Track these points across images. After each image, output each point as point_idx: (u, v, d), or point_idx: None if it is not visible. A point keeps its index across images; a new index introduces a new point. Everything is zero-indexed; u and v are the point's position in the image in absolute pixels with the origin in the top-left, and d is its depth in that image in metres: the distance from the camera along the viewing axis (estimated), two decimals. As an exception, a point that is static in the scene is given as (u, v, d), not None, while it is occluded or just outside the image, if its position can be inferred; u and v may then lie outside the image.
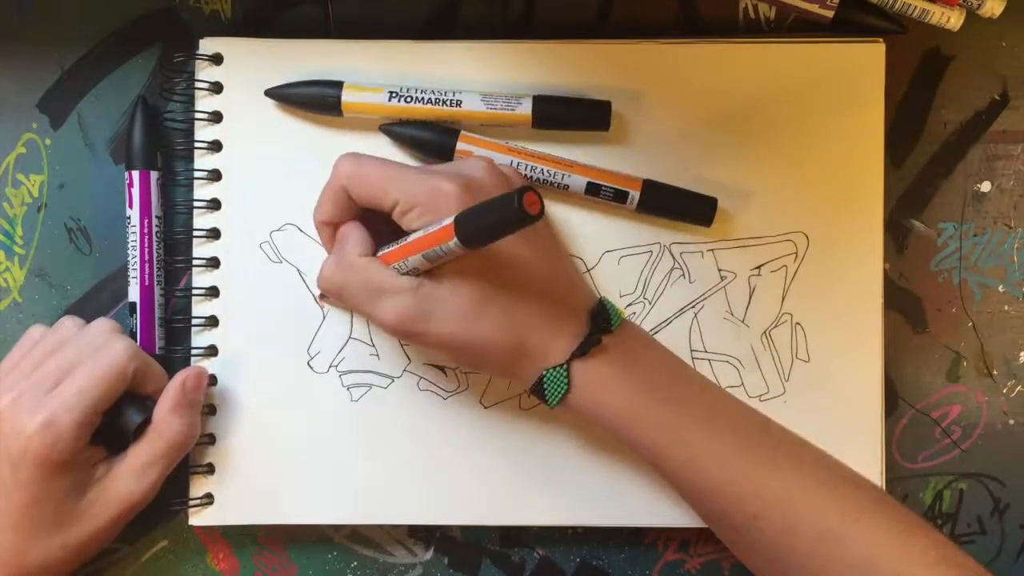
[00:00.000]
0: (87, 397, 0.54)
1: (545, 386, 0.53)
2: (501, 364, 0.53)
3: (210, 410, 0.60)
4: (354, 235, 0.55)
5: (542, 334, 0.53)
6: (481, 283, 0.52)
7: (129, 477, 0.56)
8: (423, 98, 0.58)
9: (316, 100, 0.59)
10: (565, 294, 0.54)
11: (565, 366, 0.53)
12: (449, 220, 0.48)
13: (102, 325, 0.58)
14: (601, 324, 0.53)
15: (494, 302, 0.52)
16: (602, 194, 0.58)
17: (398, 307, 0.52)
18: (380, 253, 0.54)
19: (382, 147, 0.60)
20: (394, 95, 0.58)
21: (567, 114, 0.59)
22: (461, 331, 0.52)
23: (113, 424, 0.56)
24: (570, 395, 0.53)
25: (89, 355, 0.56)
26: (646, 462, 0.54)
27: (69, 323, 0.59)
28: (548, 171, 0.58)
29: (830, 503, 0.51)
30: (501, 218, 0.46)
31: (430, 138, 0.59)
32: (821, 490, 0.51)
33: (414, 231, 0.52)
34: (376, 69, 0.60)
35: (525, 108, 0.58)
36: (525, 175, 0.58)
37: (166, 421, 0.57)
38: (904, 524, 0.51)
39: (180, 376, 0.57)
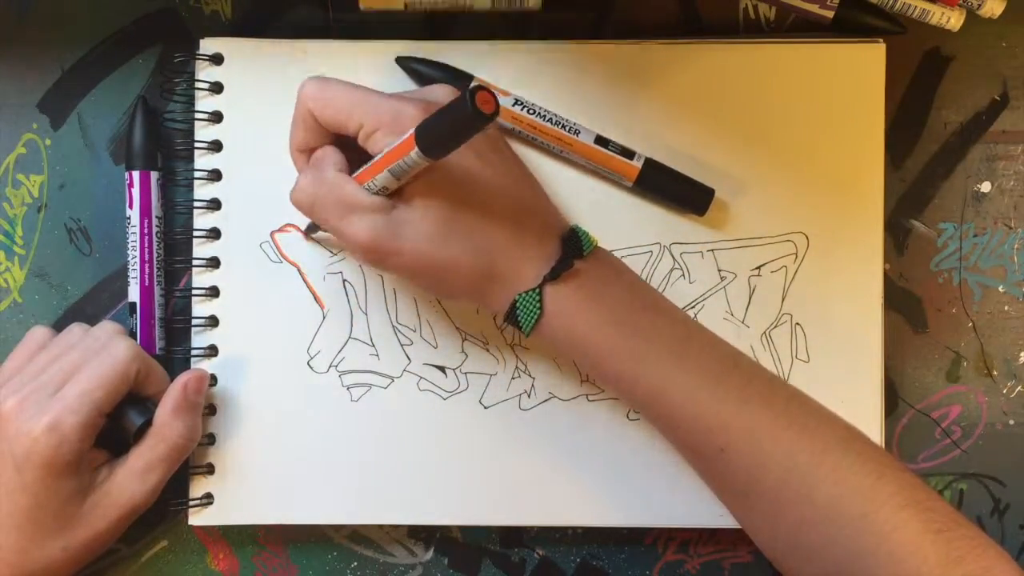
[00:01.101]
0: (91, 399, 0.54)
1: (518, 311, 0.52)
2: (471, 287, 0.53)
3: (210, 410, 0.60)
4: (331, 155, 0.54)
5: (512, 256, 0.52)
6: (450, 204, 0.51)
7: (131, 480, 0.56)
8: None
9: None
10: (536, 217, 0.54)
11: (537, 290, 0.52)
12: (410, 132, 0.48)
13: (105, 328, 0.58)
14: (573, 249, 0.53)
15: (463, 223, 0.52)
16: (610, 147, 0.58)
17: (370, 225, 0.51)
18: (355, 174, 0.53)
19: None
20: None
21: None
22: (431, 250, 0.51)
23: (116, 426, 0.56)
24: (543, 321, 0.52)
25: (92, 357, 0.56)
26: (614, 391, 0.54)
27: (77, 330, 0.59)
28: (558, 119, 0.58)
29: (798, 440, 0.51)
30: (456, 121, 0.46)
31: (444, 79, 0.59)
32: (790, 427, 0.51)
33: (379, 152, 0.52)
34: (377, 69, 0.60)
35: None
36: (537, 114, 0.58)
37: (167, 424, 0.57)
38: (873, 464, 0.50)
39: (181, 379, 0.57)
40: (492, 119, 0.45)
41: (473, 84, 0.47)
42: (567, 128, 0.59)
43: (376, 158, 0.51)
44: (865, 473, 0.50)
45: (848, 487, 0.50)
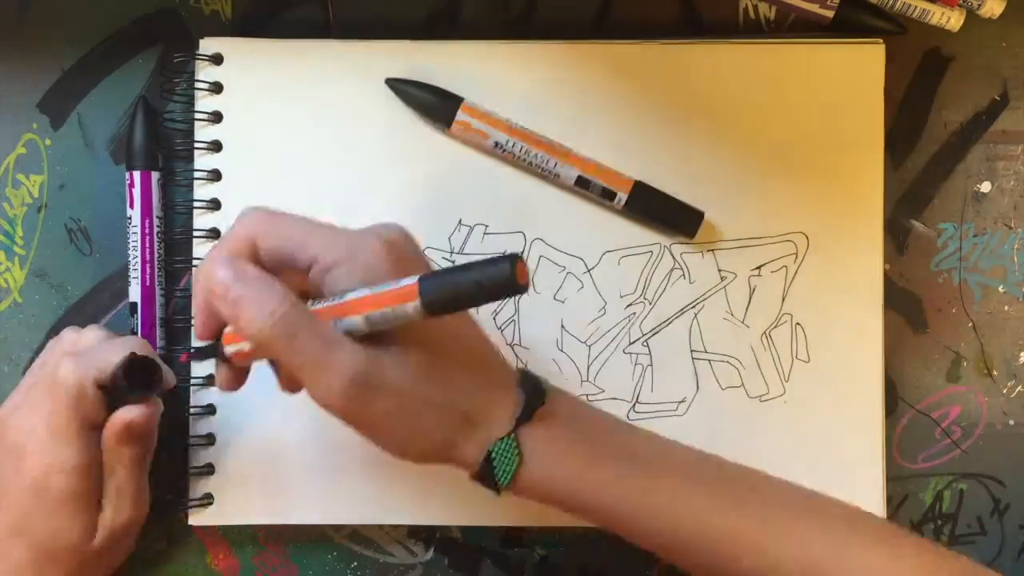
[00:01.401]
0: (83, 363, 0.54)
1: (495, 461, 0.49)
2: (444, 437, 0.49)
3: (210, 410, 0.60)
4: (272, 282, 0.47)
5: (484, 402, 0.49)
6: (428, 348, 0.48)
7: (114, 502, 0.56)
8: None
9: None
10: (496, 363, 0.51)
11: (513, 436, 0.49)
12: (411, 281, 0.44)
13: (54, 350, 0.58)
14: (534, 389, 0.50)
15: (440, 367, 0.48)
16: (591, 189, 0.58)
17: (354, 361, 0.46)
18: (311, 307, 0.47)
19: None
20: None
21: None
22: (413, 392, 0.48)
23: (115, 403, 0.55)
24: (522, 468, 0.49)
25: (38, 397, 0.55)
26: (607, 527, 0.52)
27: (68, 334, 0.59)
28: (541, 156, 0.59)
29: (808, 532, 0.50)
30: (485, 286, 0.42)
31: (433, 101, 0.59)
32: (798, 521, 0.50)
33: (339, 291, 0.47)
34: (377, 70, 0.60)
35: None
36: (519, 157, 0.59)
37: (111, 451, 0.56)
38: (886, 538, 0.50)
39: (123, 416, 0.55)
40: (525, 291, 0.42)
41: (510, 252, 0.42)
42: (547, 171, 0.59)
43: (346, 298, 0.46)
44: (880, 550, 0.49)
45: (871, 569, 0.49)
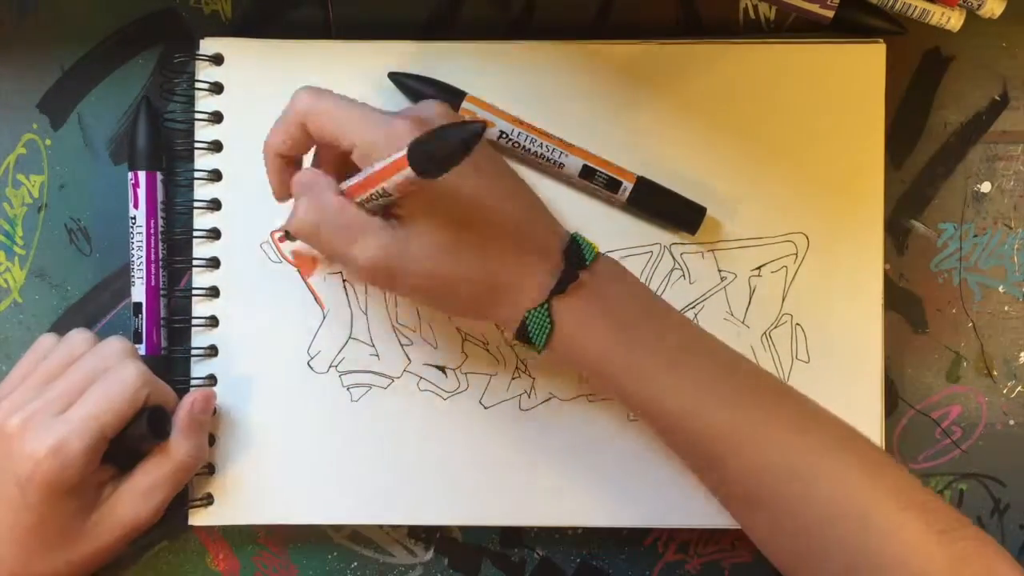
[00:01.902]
0: (97, 423, 0.54)
1: (529, 328, 0.52)
2: (478, 303, 0.53)
3: (210, 410, 0.60)
4: (323, 178, 0.53)
5: (517, 271, 0.52)
6: (453, 222, 0.51)
7: (135, 499, 0.56)
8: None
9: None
10: (536, 231, 0.54)
11: (546, 305, 0.52)
12: (403, 152, 0.47)
13: (113, 346, 0.57)
14: (576, 260, 0.53)
15: (467, 240, 0.51)
16: (596, 179, 0.58)
17: (378, 244, 0.51)
18: (343, 185, 0.52)
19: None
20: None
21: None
22: (439, 267, 0.51)
23: (123, 442, 0.56)
24: (554, 335, 0.53)
25: (100, 378, 0.55)
26: (625, 402, 0.54)
27: (79, 338, 0.58)
28: (546, 146, 0.59)
29: (796, 443, 0.51)
30: (447, 142, 0.46)
31: (436, 96, 0.59)
32: (788, 430, 0.51)
33: None
34: (377, 70, 0.60)
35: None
36: (523, 146, 0.59)
37: (174, 443, 0.57)
38: (873, 464, 0.50)
39: (188, 399, 0.57)
40: (480, 139, 0.46)
41: (465, 110, 0.47)
42: (552, 161, 0.59)
43: (368, 172, 0.50)
44: (864, 472, 0.50)
45: (847, 488, 0.50)
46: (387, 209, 0.52)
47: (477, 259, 0.52)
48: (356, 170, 0.52)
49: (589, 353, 0.53)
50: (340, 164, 0.54)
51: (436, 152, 0.46)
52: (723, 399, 0.52)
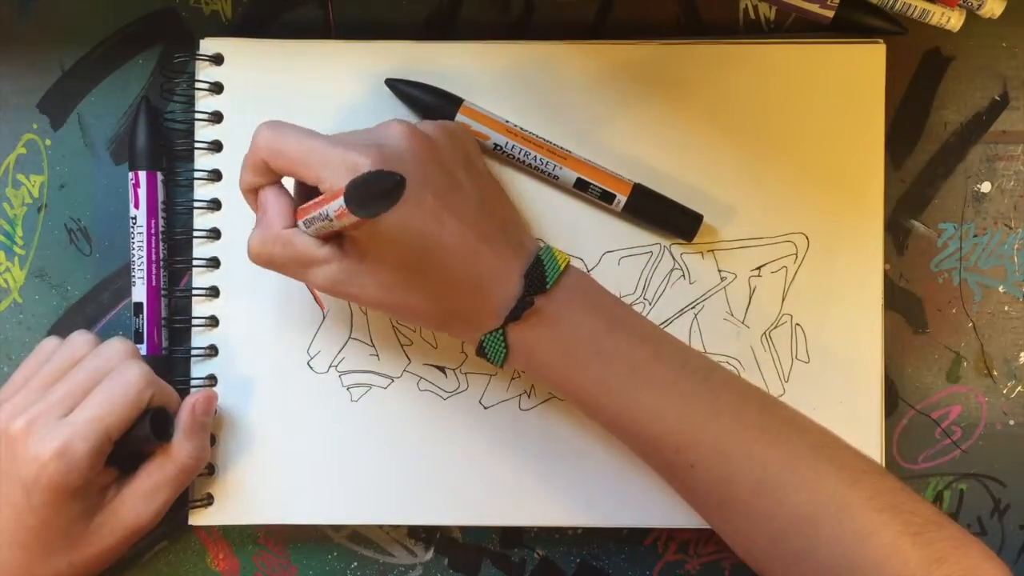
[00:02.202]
0: (102, 425, 0.54)
1: (486, 349, 0.53)
2: (435, 325, 0.55)
3: (210, 410, 0.60)
4: (273, 204, 0.53)
5: (470, 301, 0.53)
6: (399, 260, 0.51)
7: (138, 500, 0.56)
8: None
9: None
10: (494, 256, 0.53)
11: (501, 331, 0.53)
12: (342, 187, 0.46)
13: (116, 348, 0.57)
14: (535, 284, 0.52)
15: (417, 273, 0.52)
16: (590, 191, 0.58)
17: (326, 276, 0.52)
18: (306, 226, 0.52)
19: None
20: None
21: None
22: (388, 298, 0.52)
23: (126, 444, 0.56)
24: (511, 357, 0.53)
25: (104, 380, 0.55)
26: (585, 414, 0.55)
27: (80, 339, 0.58)
28: (540, 159, 0.58)
29: (769, 451, 0.51)
30: (376, 190, 0.45)
31: (432, 103, 0.59)
32: (761, 438, 0.51)
33: None
34: (377, 70, 0.60)
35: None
36: (517, 159, 0.59)
37: (176, 445, 0.57)
38: (848, 471, 0.50)
39: (190, 401, 0.57)
40: (402, 189, 0.45)
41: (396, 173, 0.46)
42: (546, 172, 0.59)
43: (317, 200, 0.50)
44: (839, 480, 0.50)
45: (822, 495, 0.49)
46: (340, 235, 0.52)
47: (427, 294, 0.52)
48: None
49: (549, 372, 0.53)
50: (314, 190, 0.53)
51: (368, 196, 0.45)
52: (695, 408, 0.52)
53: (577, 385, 0.53)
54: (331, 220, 0.48)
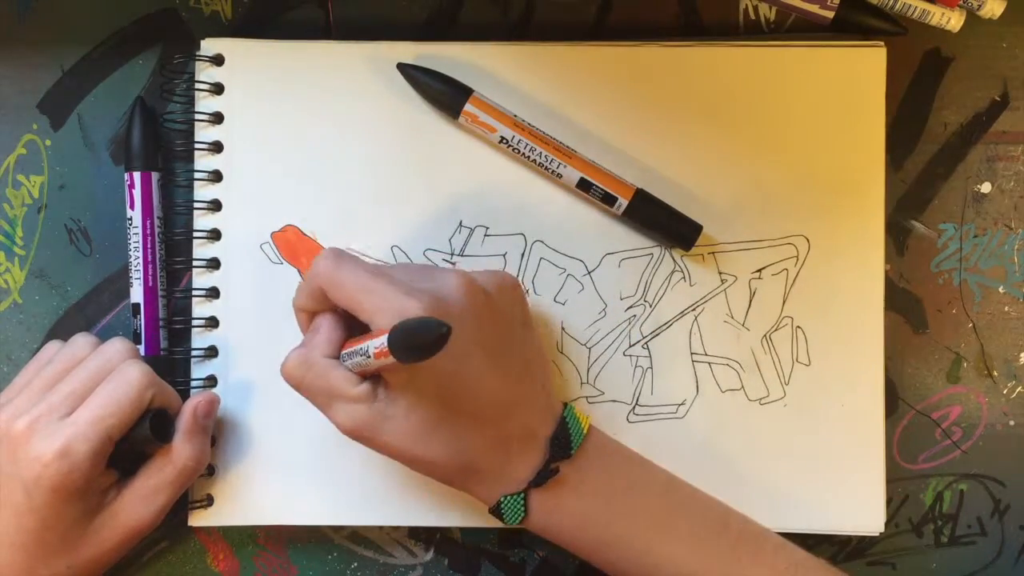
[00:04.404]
0: (104, 425, 0.54)
1: (503, 510, 0.53)
2: (450, 481, 0.54)
3: (210, 411, 0.60)
4: (324, 331, 0.53)
5: (496, 459, 0.53)
6: (435, 405, 0.51)
7: (137, 502, 0.56)
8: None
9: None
10: (524, 415, 0.53)
11: (522, 495, 0.53)
12: (387, 330, 0.47)
13: (117, 348, 0.57)
14: (560, 450, 0.53)
15: (447, 425, 0.51)
16: (592, 192, 0.58)
17: (351, 416, 0.51)
18: (347, 360, 0.52)
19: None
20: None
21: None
22: (411, 448, 0.52)
23: (127, 444, 0.56)
24: (527, 519, 0.53)
25: (105, 380, 0.55)
26: (600, 568, 0.55)
27: (82, 341, 0.58)
28: (545, 156, 0.58)
29: None
30: (419, 339, 0.46)
31: (443, 91, 0.59)
32: None
33: None
34: (377, 70, 0.60)
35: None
36: (523, 153, 0.59)
37: (177, 447, 0.57)
38: None
39: (191, 403, 0.57)
40: (445, 341, 0.45)
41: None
42: (550, 170, 0.59)
43: (361, 337, 0.51)
44: None
45: None
46: (376, 378, 0.52)
47: (453, 447, 0.52)
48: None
49: (563, 532, 0.54)
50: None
51: (411, 342, 0.46)
52: (718, 555, 0.53)
53: (597, 543, 0.54)
54: (370, 358, 0.49)
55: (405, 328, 0.46)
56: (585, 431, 0.54)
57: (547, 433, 0.53)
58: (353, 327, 0.53)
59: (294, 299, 0.55)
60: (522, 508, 0.53)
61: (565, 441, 0.53)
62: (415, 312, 0.49)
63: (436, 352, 0.45)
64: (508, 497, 0.53)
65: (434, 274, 0.53)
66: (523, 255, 0.60)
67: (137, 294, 0.60)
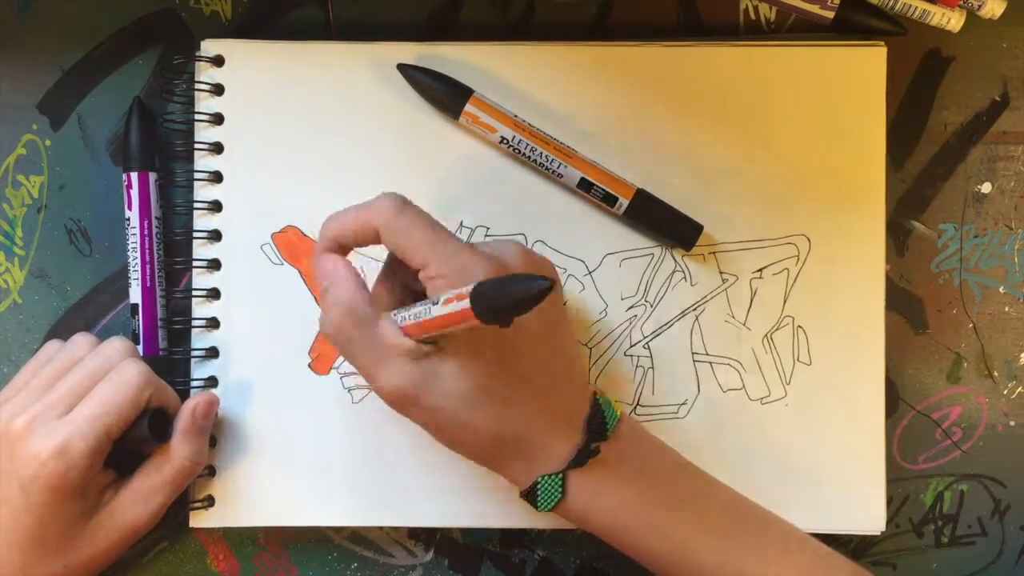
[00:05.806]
0: (101, 424, 0.54)
1: (539, 492, 0.51)
2: (488, 456, 0.52)
3: (210, 411, 0.60)
4: (377, 288, 0.52)
5: (539, 433, 0.51)
6: (488, 369, 0.49)
7: (135, 502, 0.56)
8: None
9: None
10: (568, 395, 0.52)
11: (561, 475, 0.51)
12: (467, 288, 0.45)
13: (115, 347, 0.57)
14: (597, 432, 0.51)
15: (497, 392, 0.50)
16: (593, 192, 0.58)
17: (401, 375, 0.49)
18: (398, 318, 0.50)
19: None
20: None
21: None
22: (457, 412, 0.50)
23: (125, 444, 0.56)
24: (562, 503, 0.52)
25: (103, 379, 0.55)
26: (635, 559, 0.54)
27: (81, 340, 0.58)
28: (546, 156, 0.58)
29: None
30: (515, 295, 0.43)
31: (443, 91, 0.59)
32: (810, 571, 0.52)
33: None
34: (377, 71, 0.60)
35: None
36: (523, 154, 0.59)
37: (175, 447, 0.57)
38: None
39: (190, 403, 0.57)
40: (547, 295, 0.43)
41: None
42: (551, 170, 0.59)
43: (431, 311, 0.47)
44: None
45: None
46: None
47: (500, 415, 0.50)
48: (415, 281, 0.50)
49: (600, 517, 0.52)
50: (405, 273, 0.52)
51: (500, 301, 0.43)
52: (747, 549, 0.52)
53: (634, 535, 0.52)
54: (431, 315, 0.46)
55: (498, 286, 0.43)
56: (619, 415, 0.53)
57: (585, 413, 0.52)
58: (384, 281, 0.52)
59: (331, 223, 0.52)
60: (560, 490, 0.51)
61: (600, 423, 0.52)
62: (475, 270, 0.48)
63: (527, 311, 0.43)
64: (545, 478, 0.51)
65: (490, 243, 0.53)
66: (523, 255, 0.60)
67: (135, 294, 0.60)
